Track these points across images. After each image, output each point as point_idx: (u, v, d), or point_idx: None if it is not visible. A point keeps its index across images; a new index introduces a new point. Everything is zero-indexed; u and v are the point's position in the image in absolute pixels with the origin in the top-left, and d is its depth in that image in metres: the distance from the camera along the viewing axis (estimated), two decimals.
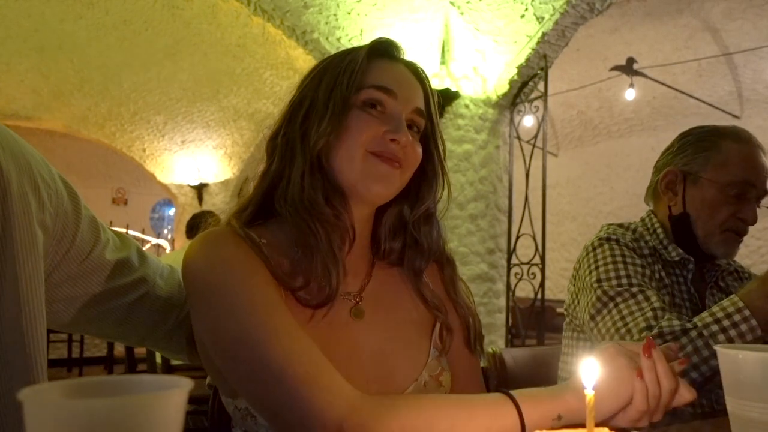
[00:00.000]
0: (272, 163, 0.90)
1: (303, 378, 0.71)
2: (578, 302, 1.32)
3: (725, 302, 1.11)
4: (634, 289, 1.21)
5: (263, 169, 0.93)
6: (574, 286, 1.36)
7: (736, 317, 1.08)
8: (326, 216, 0.85)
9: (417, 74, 0.95)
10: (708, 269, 1.40)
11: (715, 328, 1.08)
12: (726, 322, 1.08)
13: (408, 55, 0.97)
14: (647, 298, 1.19)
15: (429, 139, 0.95)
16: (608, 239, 1.32)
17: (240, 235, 0.83)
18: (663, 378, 0.75)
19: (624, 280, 1.23)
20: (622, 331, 1.16)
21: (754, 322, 1.07)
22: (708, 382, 1.10)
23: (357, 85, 0.87)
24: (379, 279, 0.94)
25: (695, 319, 1.12)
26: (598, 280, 1.25)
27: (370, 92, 0.88)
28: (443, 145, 0.97)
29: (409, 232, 0.96)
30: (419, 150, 0.91)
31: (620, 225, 1.41)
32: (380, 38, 0.94)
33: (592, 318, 1.23)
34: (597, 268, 1.27)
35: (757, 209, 1.33)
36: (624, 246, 1.30)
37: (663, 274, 1.32)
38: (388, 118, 0.87)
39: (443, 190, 0.97)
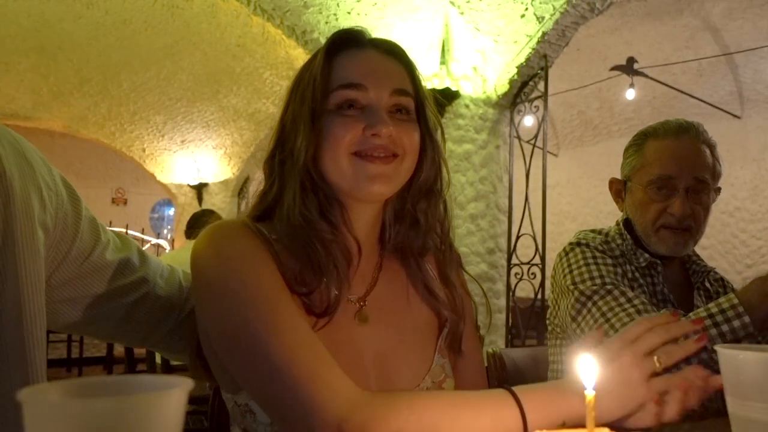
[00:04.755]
0: (272, 186, 0.89)
1: (305, 374, 0.71)
2: (558, 307, 1.35)
3: (722, 299, 1.12)
4: (609, 287, 1.24)
5: (262, 190, 0.91)
6: (553, 293, 1.40)
7: (730, 313, 1.09)
8: (323, 233, 0.84)
9: (391, 52, 0.90)
10: (693, 271, 1.42)
11: (708, 322, 1.09)
12: (719, 318, 1.09)
13: (375, 34, 0.91)
14: (623, 293, 1.22)
15: (421, 113, 0.91)
16: (578, 244, 1.36)
17: (250, 228, 0.82)
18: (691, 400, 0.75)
19: (598, 280, 1.26)
20: (605, 327, 1.19)
21: (747, 319, 1.07)
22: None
23: (323, 91, 0.84)
24: (385, 283, 0.92)
25: (691, 314, 1.14)
26: (574, 283, 1.29)
27: (339, 94, 0.84)
28: (436, 117, 0.93)
29: (408, 212, 0.93)
30: (414, 133, 0.87)
31: (592, 230, 1.45)
32: (338, 32, 0.90)
33: (574, 319, 1.26)
34: (571, 271, 1.31)
35: (693, 199, 1.32)
36: (594, 249, 1.34)
37: (637, 274, 1.35)
38: (365, 114, 0.84)
39: (439, 164, 0.93)
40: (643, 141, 1.39)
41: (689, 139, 1.34)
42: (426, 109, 0.91)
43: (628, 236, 1.39)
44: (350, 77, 0.85)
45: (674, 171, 1.31)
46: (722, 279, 1.47)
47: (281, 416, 0.75)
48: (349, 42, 0.89)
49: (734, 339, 1.08)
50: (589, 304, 1.23)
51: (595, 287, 1.25)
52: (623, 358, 0.76)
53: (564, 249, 1.38)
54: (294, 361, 0.72)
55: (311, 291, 0.81)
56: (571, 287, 1.28)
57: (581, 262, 1.31)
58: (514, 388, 0.75)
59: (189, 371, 0.97)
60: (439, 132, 0.93)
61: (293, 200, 0.84)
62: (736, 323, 1.08)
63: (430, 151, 0.91)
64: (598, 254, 1.32)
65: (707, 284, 1.42)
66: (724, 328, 1.08)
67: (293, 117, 0.87)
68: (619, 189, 1.45)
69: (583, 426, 0.56)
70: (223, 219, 0.87)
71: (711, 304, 1.12)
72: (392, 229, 0.93)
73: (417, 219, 0.93)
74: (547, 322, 1.43)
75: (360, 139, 0.83)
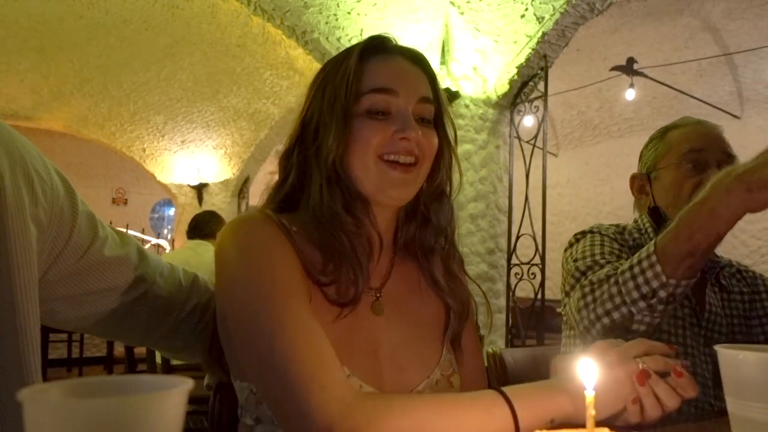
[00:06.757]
0: (287, 179, 0.92)
1: (302, 375, 0.72)
2: (567, 295, 1.34)
3: (644, 248, 1.08)
4: (602, 261, 1.23)
5: (276, 184, 0.95)
6: (563, 279, 1.38)
7: (645, 263, 1.04)
8: (347, 225, 0.87)
9: (417, 60, 0.94)
10: (708, 267, 1.40)
11: (627, 275, 1.07)
12: (636, 269, 1.05)
13: (403, 43, 0.96)
14: (614, 268, 1.19)
15: (438, 120, 0.95)
16: (590, 231, 1.37)
17: (273, 221, 0.85)
18: (665, 399, 0.76)
19: (597, 257, 1.25)
20: (588, 299, 1.16)
21: (658, 268, 1.02)
22: (617, 329, 1.09)
23: (355, 93, 0.87)
24: (398, 276, 0.96)
25: (618, 265, 1.12)
26: (575, 260, 1.28)
27: (370, 98, 0.88)
28: (452, 124, 0.98)
29: (420, 212, 0.97)
30: (434, 140, 0.92)
31: (609, 225, 1.44)
32: (371, 37, 0.94)
33: (567, 294, 1.26)
34: (575, 252, 1.32)
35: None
36: (604, 235, 1.33)
37: None
38: (394, 118, 0.88)
39: (451, 169, 0.98)
40: (664, 132, 1.41)
41: (711, 124, 1.37)
42: (444, 115, 0.96)
43: (649, 229, 1.37)
44: (383, 82, 0.89)
45: (704, 144, 1.32)
46: (740, 272, 1.44)
47: (278, 413, 0.77)
48: (379, 47, 0.93)
49: (650, 290, 1.03)
50: (582, 279, 1.22)
51: (591, 263, 1.24)
52: (610, 357, 0.79)
53: (574, 235, 1.39)
54: (294, 360, 0.73)
55: (333, 281, 0.84)
56: (571, 264, 1.28)
57: (587, 244, 1.31)
58: (504, 389, 0.77)
59: (202, 365, 1.01)
60: (453, 137, 0.98)
61: (320, 194, 0.88)
62: (649, 273, 1.03)
63: (446, 155, 0.97)
64: (606, 240, 1.32)
65: (722, 280, 1.39)
66: (640, 279, 1.04)
67: (320, 115, 0.90)
68: (641, 184, 1.43)
69: (580, 425, 0.56)
70: (247, 212, 0.89)
71: (636, 254, 1.08)
72: (404, 228, 0.98)
73: (429, 219, 0.97)
74: (561, 312, 1.43)
75: (388, 142, 0.87)
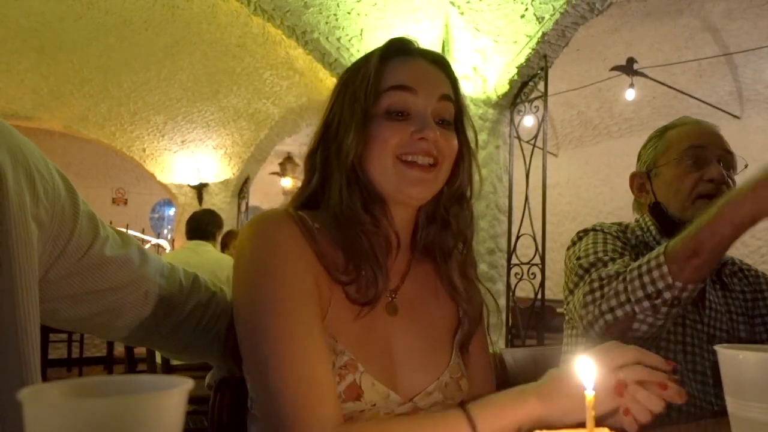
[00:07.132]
0: (311, 179, 0.94)
1: (290, 405, 0.74)
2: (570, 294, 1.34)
3: (657, 248, 1.10)
4: (606, 258, 1.23)
5: (302, 185, 0.96)
6: (565, 278, 1.38)
7: (653, 263, 1.05)
8: (366, 225, 0.88)
9: (438, 62, 0.95)
10: None
11: (635, 273, 1.08)
12: (644, 268, 1.06)
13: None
14: (625, 265, 1.19)
15: (458, 121, 0.96)
16: (593, 229, 1.37)
17: (294, 220, 0.86)
18: (648, 405, 0.76)
19: (600, 254, 1.26)
20: (597, 293, 1.18)
21: (665, 269, 1.03)
22: (619, 328, 1.10)
23: (375, 93, 0.88)
24: (414, 279, 0.97)
25: (630, 263, 1.13)
26: (578, 258, 1.29)
27: (389, 96, 0.88)
28: (473, 127, 0.98)
29: (440, 215, 0.97)
30: (453, 141, 0.92)
31: (611, 223, 1.44)
32: (392, 39, 0.95)
33: (571, 292, 1.26)
34: (578, 249, 1.32)
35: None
36: (607, 233, 1.34)
37: None
38: (413, 119, 0.88)
39: (471, 173, 0.98)
40: (663, 132, 1.42)
41: (709, 123, 1.39)
42: (464, 118, 0.97)
43: (651, 227, 1.38)
44: (402, 80, 0.89)
45: (704, 141, 1.33)
46: (741, 270, 1.44)
47: (262, 420, 0.81)
48: (400, 50, 0.94)
49: (655, 290, 1.04)
50: (586, 277, 1.23)
51: (594, 259, 1.25)
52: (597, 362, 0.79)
53: (577, 234, 1.39)
54: (286, 387, 0.75)
55: (352, 281, 0.85)
56: (575, 262, 1.29)
57: (590, 241, 1.32)
58: (473, 404, 0.78)
59: (213, 359, 1.02)
60: (474, 141, 0.99)
61: (339, 194, 0.88)
62: (655, 273, 1.04)
63: (466, 159, 0.97)
64: (609, 237, 1.32)
65: (724, 278, 1.40)
66: (646, 279, 1.05)
67: (341, 115, 0.90)
68: (641, 182, 1.44)
69: (581, 425, 0.56)
70: (271, 210, 0.90)
71: (646, 255, 1.10)
72: (424, 230, 0.98)
73: (448, 222, 0.97)
74: (564, 311, 1.43)
75: (407, 143, 0.87)
